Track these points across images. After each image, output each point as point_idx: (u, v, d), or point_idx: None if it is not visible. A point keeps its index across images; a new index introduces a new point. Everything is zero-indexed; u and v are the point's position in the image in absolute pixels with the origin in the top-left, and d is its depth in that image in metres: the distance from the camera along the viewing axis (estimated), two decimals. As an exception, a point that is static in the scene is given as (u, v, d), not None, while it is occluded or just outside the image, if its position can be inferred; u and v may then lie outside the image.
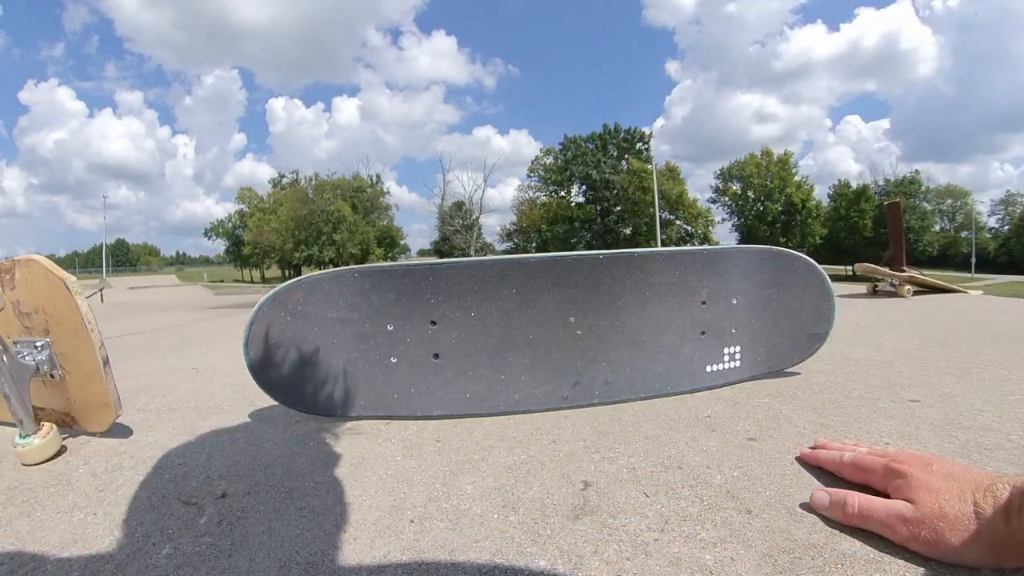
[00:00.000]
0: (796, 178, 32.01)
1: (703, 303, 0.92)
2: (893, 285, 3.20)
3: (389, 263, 0.91)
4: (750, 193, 32.70)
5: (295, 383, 0.82)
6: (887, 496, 0.47)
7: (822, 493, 0.50)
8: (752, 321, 0.96)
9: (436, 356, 0.85)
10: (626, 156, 33.06)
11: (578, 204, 33.87)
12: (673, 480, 0.59)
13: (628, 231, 32.72)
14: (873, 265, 3.35)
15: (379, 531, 0.51)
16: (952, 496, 0.41)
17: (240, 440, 0.79)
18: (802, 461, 0.61)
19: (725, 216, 34.07)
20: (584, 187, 33.70)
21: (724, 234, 34.34)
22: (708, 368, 0.95)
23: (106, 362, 0.75)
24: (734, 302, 0.94)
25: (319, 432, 0.81)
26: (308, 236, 32.72)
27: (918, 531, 0.42)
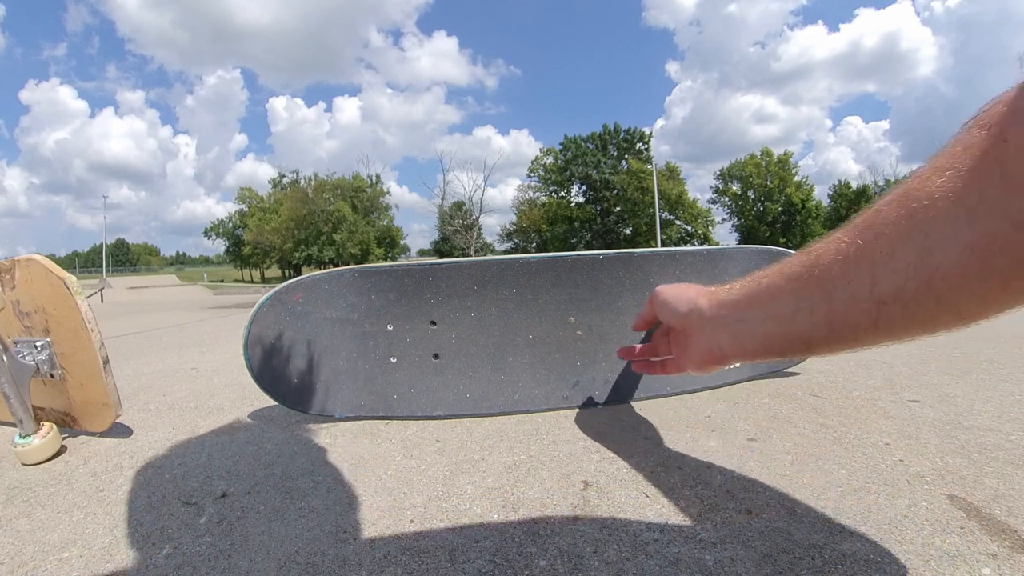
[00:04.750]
0: (796, 178, 32.06)
1: (703, 303, 0.92)
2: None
3: (389, 263, 0.91)
4: (750, 193, 32.75)
5: (295, 383, 0.82)
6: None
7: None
8: (752, 321, 0.96)
9: (436, 356, 0.85)
10: (626, 156, 33.09)
11: (578, 204, 33.92)
12: (673, 480, 0.59)
13: (628, 231, 32.75)
14: (873, 265, 3.34)
15: (379, 531, 0.51)
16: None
17: (240, 440, 0.79)
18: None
19: (725, 216, 34.15)
20: (584, 187, 33.76)
21: (724, 234, 34.41)
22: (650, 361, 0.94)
23: (106, 362, 0.75)
24: (734, 302, 0.94)
25: (319, 432, 0.81)
26: (308, 236, 32.76)
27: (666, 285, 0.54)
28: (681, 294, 0.50)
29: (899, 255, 0.28)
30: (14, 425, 0.74)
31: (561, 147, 33.89)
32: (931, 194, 0.27)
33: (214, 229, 40.87)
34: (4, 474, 0.70)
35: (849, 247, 0.31)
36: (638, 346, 0.64)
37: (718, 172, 34.41)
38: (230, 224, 39.90)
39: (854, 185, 32.82)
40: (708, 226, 33.17)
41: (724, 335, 0.43)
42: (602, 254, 0.87)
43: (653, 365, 0.61)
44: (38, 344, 0.77)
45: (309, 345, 0.82)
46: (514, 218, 35.44)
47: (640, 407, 0.87)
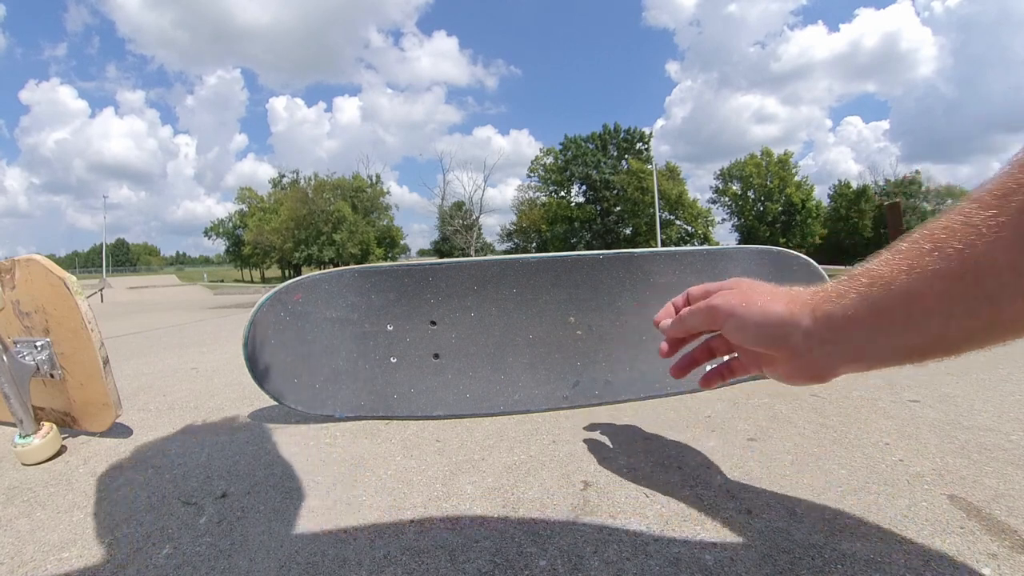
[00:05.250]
0: (796, 178, 32.07)
1: (703, 303, 0.92)
2: (893, 285, 3.21)
3: (389, 263, 0.91)
4: (750, 193, 32.76)
5: (295, 383, 0.82)
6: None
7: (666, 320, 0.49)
8: (752, 321, 0.96)
9: (436, 356, 0.85)
10: (626, 156, 33.09)
11: (578, 204, 33.93)
12: (673, 480, 0.59)
13: (628, 231, 32.76)
14: (873, 265, 3.35)
15: (379, 531, 0.51)
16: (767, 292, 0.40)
17: (240, 440, 0.79)
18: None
19: (725, 216, 34.16)
20: (584, 187, 33.76)
21: (724, 234, 34.42)
22: (708, 368, 0.94)
23: (106, 362, 0.75)
24: (734, 302, 0.94)
25: (319, 432, 0.81)
26: (308, 236, 32.77)
27: (737, 296, 0.40)
28: (765, 309, 0.37)
29: None
30: (14, 425, 0.74)
31: (561, 147, 33.93)
32: None
33: (214, 229, 40.88)
34: (4, 474, 0.70)
35: (1016, 229, 0.24)
36: (687, 354, 0.51)
37: (718, 172, 34.45)
38: (230, 224, 39.90)
39: (854, 185, 32.85)
40: (708, 226, 33.20)
41: (846, 356, 0.34)
42: (602, 254, 0.87)
43: (720, 374, 0.49)
44: (38, 344, 0.77)
45: (309, 345, 0.82)
46: (514, 218, 35.49)
47: (640, 407, 0.87)
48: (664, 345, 0.51)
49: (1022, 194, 0.24)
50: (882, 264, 0.30)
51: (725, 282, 0.44)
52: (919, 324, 0.29)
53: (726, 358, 0.48)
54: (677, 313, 0.49)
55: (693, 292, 0.47)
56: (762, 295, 0.39)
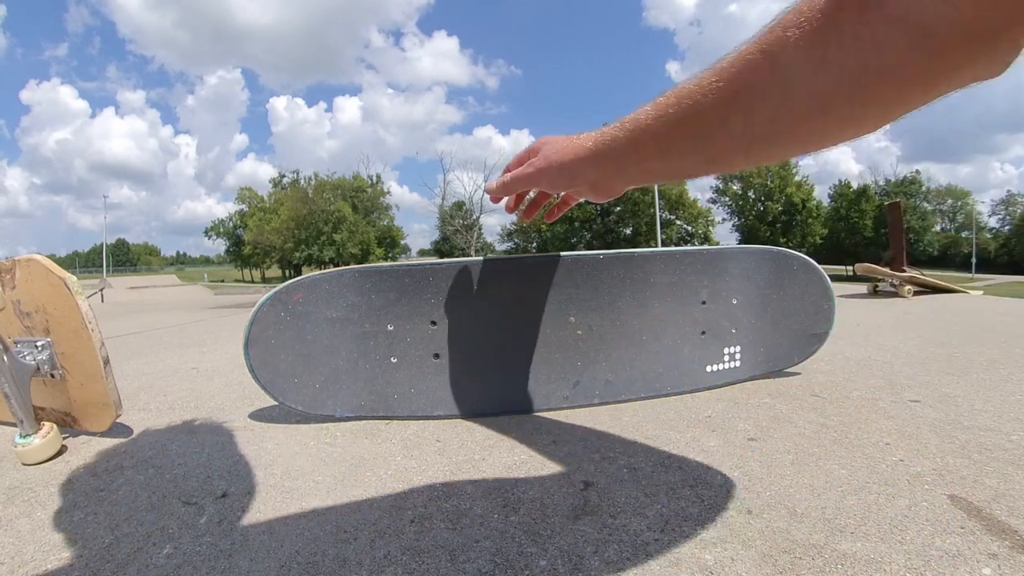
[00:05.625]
0: (796, 178, 32.06)
1: (703, 303, 0.92)
2: (894, 285, 3.21)
3: (389, 263, 0.91)
4: (750, 193, 32.73)
5: (295, 383, 0.82)
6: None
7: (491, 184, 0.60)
8: (752, 321, 0.96)
9: (436, 356, 0.85)
10: (626, 156, 33.04)
11: (578, 204, 33.86)
12: (673, 480, 0.59)
13: (628, 231, 32.74)
14: (874, 265, 3.34)
15: (379, 531, 0.51)
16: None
17: (240, 440, 0.79)
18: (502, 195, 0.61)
19: (725, 216, 34.15)
20: (584, 187, 33.69)
21: (724, 234, 34.40)
22: (708, 368, 0.95)
23: (106, 362, 0.75)
24: (734, 302, 0.94)
25: (319, 432, 0.81)
26: (308, 236, 32.79)
27: (541, 160, 0.51)
28: (562, 164, 0.49)
29: (771, 97, 0.32)
30: (14, 425, 0.74)
31: (561, 147, 33.85)
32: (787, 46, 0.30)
33: (214, 229, 40.91)
34: (4, 474, 0.70)
35: (725, 94, 0.33)
36: (531, 201, 0.65)
37: (718, 172, 34.38)
38: (230, 224, 39.93)
39: (854, 185, 32.87)
40: (708, 226, 33.20)
41: (620, 178, 0.46)
42: (602, 254, 0.87)
43: (559, 206, 0.66)
44: (39, 344, 0.77)
45: (309, 345, 0.82)
46: (514, 218, 35.46)
47: (640, 407, 0.87)
48: (510, 203, 0.66)
49: (732, 70, 0.32)
50: (641, 113, 0.40)
51: (531, 147, 0.55)
52: (662, 155, 0.40)
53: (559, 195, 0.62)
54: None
55: (511, 164, 0.58)
56: (557, 153, 0.50)
